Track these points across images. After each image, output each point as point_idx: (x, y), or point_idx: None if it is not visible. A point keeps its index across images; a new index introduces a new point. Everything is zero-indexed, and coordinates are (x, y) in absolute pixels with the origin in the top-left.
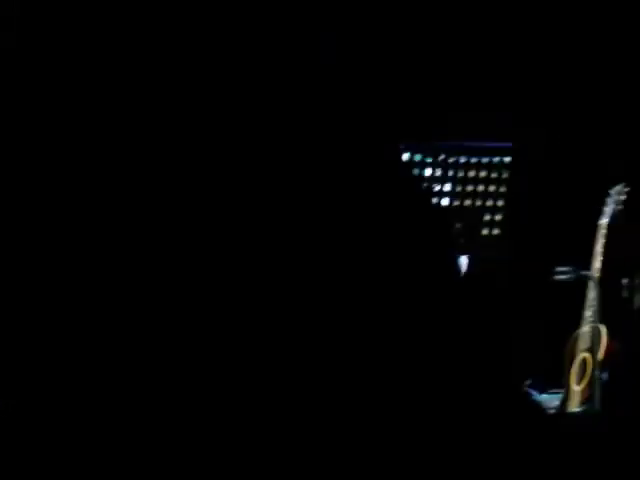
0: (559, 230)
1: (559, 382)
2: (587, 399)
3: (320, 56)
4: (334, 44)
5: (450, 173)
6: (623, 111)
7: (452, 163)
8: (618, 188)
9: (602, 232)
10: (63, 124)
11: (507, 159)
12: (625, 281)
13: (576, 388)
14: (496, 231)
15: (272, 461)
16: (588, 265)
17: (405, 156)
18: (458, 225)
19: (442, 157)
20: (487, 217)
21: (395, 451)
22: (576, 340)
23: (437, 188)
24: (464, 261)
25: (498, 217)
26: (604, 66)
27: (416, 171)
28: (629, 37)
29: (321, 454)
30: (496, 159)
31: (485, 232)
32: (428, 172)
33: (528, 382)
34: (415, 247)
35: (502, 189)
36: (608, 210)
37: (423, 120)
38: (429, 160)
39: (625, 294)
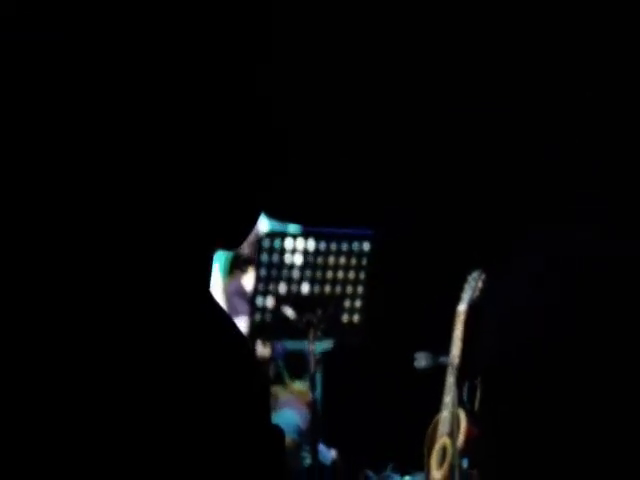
0: (418, 316)
1: (421, 466)
2: None
3: None
4: None
5: (310, 259)
6: (479, 199)
7: (312, 249)
8: (475, 275)
9: (460, 318)
10: None
11: (366, 246)
12: (466, 386)
13: (436, 474)
14: (356, 317)
15: None
16: (447, 350)
17: (266, 242)
18: (319, 312)
19: (302, 243)
20: (347, 304)
21: None
22: (436, 425)
23: (297, 274)
24: (329, 345)
25: (358, 304)
26: (460, 156)
27: (275, 257)
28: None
29: None
30: (355, 246)
31: (345, 319)
32: (288, 258)
33: (390, 465)
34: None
35: (362, 276)
36: (466, 296)
37: (282, 205)
38: (289, 246)
39: (465, 397)
